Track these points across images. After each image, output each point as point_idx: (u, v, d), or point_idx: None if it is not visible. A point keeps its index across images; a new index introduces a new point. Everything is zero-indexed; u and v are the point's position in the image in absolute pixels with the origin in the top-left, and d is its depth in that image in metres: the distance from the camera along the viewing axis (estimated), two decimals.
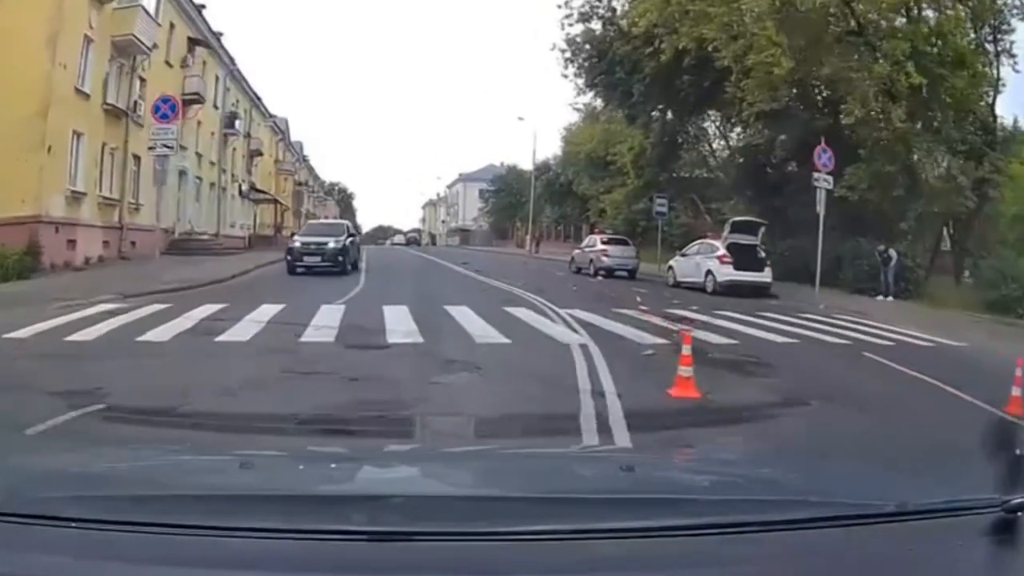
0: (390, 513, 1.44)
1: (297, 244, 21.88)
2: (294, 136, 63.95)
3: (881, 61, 19.20)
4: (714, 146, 33.67)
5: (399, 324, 11.15)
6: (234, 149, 40.43)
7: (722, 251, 20.86)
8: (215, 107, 36.12)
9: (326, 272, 20.37)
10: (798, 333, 12.44)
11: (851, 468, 2.66)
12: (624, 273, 26.33)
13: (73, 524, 1.31)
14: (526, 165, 66.60)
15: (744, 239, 21.12)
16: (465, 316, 12.18)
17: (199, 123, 33.18)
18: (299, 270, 20.59)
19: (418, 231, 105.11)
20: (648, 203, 34.96)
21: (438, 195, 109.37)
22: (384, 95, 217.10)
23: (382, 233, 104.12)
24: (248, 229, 44.91)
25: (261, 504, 1.53)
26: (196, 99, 30.74)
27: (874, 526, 1.43)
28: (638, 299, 16.84)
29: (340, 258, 21.05)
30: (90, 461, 2.07)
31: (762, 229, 21.68)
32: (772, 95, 21.00)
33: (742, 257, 20.51)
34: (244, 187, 42.96)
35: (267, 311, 12.06)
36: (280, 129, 56.98)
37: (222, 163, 37.41)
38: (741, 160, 28.67)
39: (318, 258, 20.82)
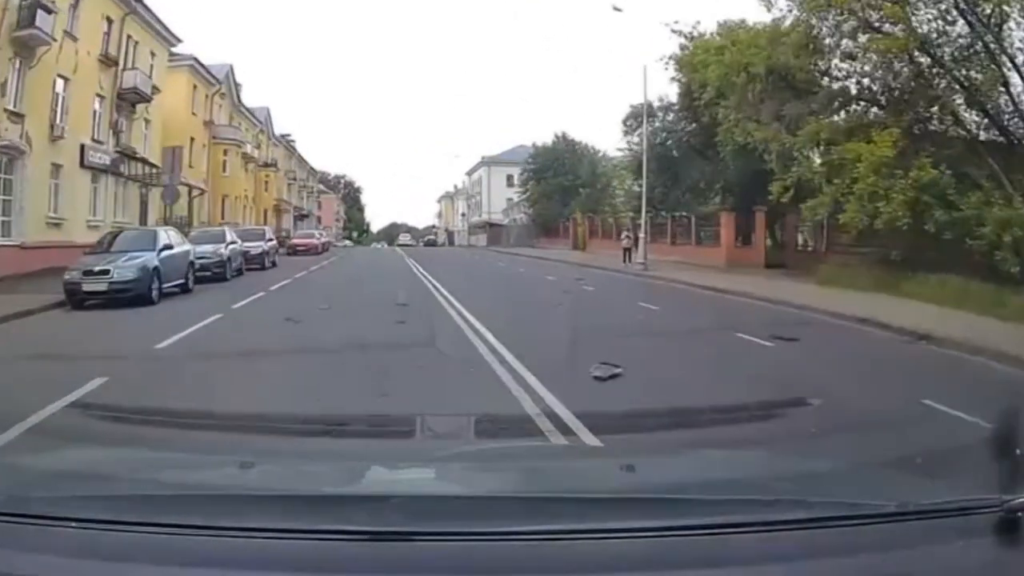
0: (390, 513, 1.40)
1: None
2: (283, 123, 45.87)
3: None
4: None
5: None
6: (64, 80, 21.54)
7: None
8: None
9: None
10: None
11: (851, 468, 2.56)
12: None
13: (73, 524, 1.30)
14: (579, 135, 47.44)
15: None
16: None
17: None
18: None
19: (434, 229, 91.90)
20: (945, 172, 15.58)
21: (456, 186, 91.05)
22: (395, 82, 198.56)
23: (395, 231, 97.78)
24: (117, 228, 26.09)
25: (261, 504, 1.51)
26: None
27: (874, 526, 1.39)
28: None
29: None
30: (90, 461, 2.11)
31: None
32: None
33: None
34: (99, 155, 23.97)
35: None
36: (215, 79, 38.09)
37: (8, 101, 18.61)
38: None
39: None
